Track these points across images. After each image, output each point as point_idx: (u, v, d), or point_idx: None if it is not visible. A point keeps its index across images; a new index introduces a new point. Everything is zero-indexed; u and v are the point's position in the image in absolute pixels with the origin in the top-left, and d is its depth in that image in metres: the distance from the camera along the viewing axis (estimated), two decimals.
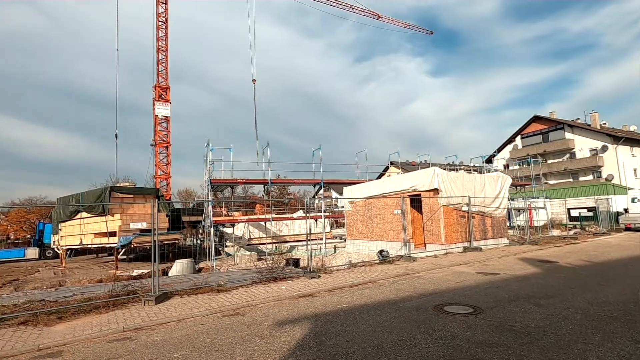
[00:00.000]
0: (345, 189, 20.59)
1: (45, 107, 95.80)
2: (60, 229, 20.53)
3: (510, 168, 45.79)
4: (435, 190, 13.89)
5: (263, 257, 19.37)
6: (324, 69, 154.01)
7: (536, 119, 46.51)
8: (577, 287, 7.29)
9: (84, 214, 19.00)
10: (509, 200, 22.98)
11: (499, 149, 49.15)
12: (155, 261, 7.60)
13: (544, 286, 7.44)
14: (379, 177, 41.08)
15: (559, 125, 44.41)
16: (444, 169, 14.96)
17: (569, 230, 24.58)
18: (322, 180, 22.22)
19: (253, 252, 21.13)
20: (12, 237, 48.38)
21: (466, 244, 13.89)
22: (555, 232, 23.18)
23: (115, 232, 17.48)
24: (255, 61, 33.65)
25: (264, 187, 23.84)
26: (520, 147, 47.54)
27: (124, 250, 17.56)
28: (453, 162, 39.83)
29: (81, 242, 19.09)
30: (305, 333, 5.00)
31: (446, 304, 6.18)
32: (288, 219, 24.39)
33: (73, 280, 15.19)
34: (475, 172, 20.52)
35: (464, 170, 29.53)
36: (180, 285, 9.08)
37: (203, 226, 20.63)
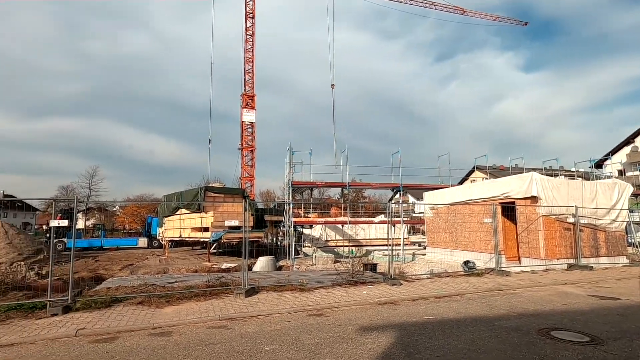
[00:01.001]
0: (426, 194, 19.65)
1: (153, 117, 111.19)
2: (164, 223, 23.46)
3: (628, 174, 38.75)
4: (533, 198, 12.40)
5: (339, 260, 19.55)
6: (402, 71, 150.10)
7: None
8: None
9: (183, 211, 21.44)
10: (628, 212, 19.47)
11: (613, 152, 41.98)
12: (245, 257, 8.17)
13: None
14: (461, 182, 38.43)
15: None
16: (544, 174, 13.29)
17: None
18: (401, 185, 21.57)
19: (330, 254, 21.46)
20: (126, 228, 57.12)
21: (572, 261, 12.09)
22: None
23: (208, 227, 19.34)
24: (333, 67, 34.25)
25: (342, 190, 24.09)
26: None
27: (215, 244, 19.30)
28: (551, 166, 35.25)
29: (180, 235, 21.56)
30: (391, 342, 4.84)
31: (553, 329, 5.42)
32: (365, 222, 24.19)
33: (174, 269, 17.19)
34: (581, 179, 17.84)
35: (566, 176, 25.90)
36: (265, 281, 9.60)
37: (283, 226, 21.61)
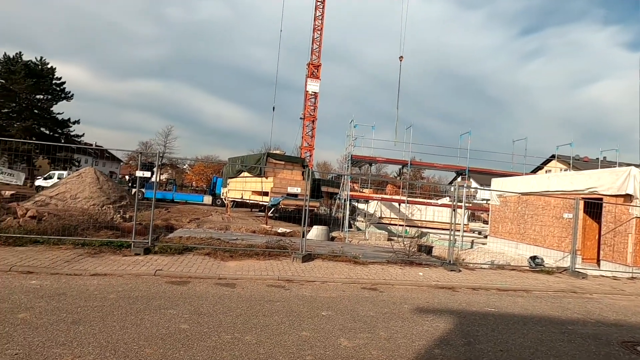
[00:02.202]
0: (495, 181, 18.27)
1: (222, 83, 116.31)
2: (228, 184, 24.98)
3: None
4: (627, 197, 10.86)
5: (392, 238, 19.31)
6: (478, 45, 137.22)
7: None
8: None
9: (246, 174, 22.54)
10: None
11: None
12: (304, 224, 8.38)
13: None
14: (534, 171, 35.09)
15: None
16: None
17: None
18: (468, 168, 20.27)
19: (383, 231, 21.28)
20: (194, 185, 62.15)
21: None
22: None
23: (267, 192, 20.19)
24: (404, 37, 32.26)
25: (400, 169, 23.35)
26: None
27: (273, 209, 20.16)
28: None
29: (242, 197, 22.84)
30: (450, 328, 4.68)
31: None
32: (425, 203, 23.39)
33: (235, 227, 18.39)
34: None
35: None
36: (319, 249, 9.81)
37: (339, 198, 21.77)
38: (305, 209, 8.43)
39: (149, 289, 5.16)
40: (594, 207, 12.07)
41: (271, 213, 23.28)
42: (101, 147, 54.48)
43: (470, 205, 26.39)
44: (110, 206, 17.48)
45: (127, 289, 5.03)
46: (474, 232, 25.25)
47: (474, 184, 41.55)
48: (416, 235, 22.97)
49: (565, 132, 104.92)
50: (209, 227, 16.78)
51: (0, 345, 3.11)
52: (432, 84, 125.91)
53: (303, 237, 8.40)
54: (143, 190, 31.79)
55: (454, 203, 9.87)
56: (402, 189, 26.61)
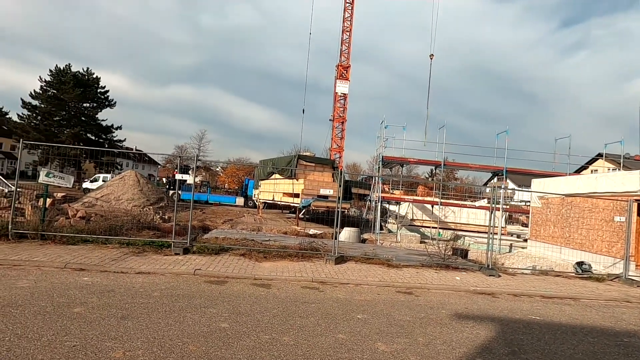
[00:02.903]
0: (535, 182, 17.36)
1: (253, 87, 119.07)
2: (260, 185, 25.48)
3: None
4: None
5: (425, 240, 18.84)
6: (515, 39, 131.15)
7: None
8: None
9: (277, 176, 22.89)
10: None
11: None
12: (337, 225, 8.38)
13: None
14: (578, 171, 33.00)
15: None
16: None
17: None
18: (505, 168, 19.39)
19: (415, 233, 20.84)
20: (226, 187, 64.00)
21: None
22: None
23: (298, 194, 20.38)
24: (435, 33, 31.48)
25: (431, 169, 22.78)
26: None
27: (304, 210, 20.32)
28: None
29: (273, 198, 23.21)
30: (492, 336, 4.49)
31: None
32: (460, 205, 22.68)
33: (267, 228, 18.72)
34: None
35: None
36: (351, 251, 9.75)
37: (369, 200, 21.57)
38: (338, 211, 8.42)
39: (189, 287, 5.36)
40: None
41: (302, 214, 23.48)
42: (141, 151, 57.41)
43: (508, 207, 25.25)
44: (150, 207, 18.36)
45: (169, 287, 5.26)
46: (512, 235, 24.12)
47: (510, 185, 39.76)
48: (450, 238, 22.30)
49: (611, 129, 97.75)
50: (242, 228, 17.19)
51: (60, 337, 3.35)
52: (466, 81, 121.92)
53: (335, 239, 8.39)
54: (180, 192, 33.20)
55: (492, 205, 9.47)
56: (435, 190, 25.91)
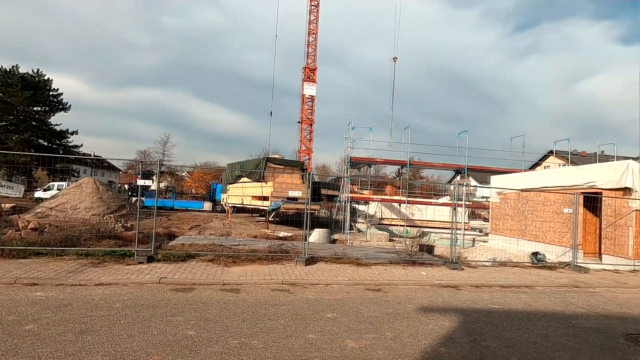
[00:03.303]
0: (494, 178, 18.34)
1: (219, 89, 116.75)
2: (228, 189, 25.00)
3: None
4: (626, 190, 10.91)
5: (394, 238, 19.34)
6: (474, 43, 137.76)
7: None
8: None
9: (245, 179, 22.59)
10: None
11: None
12: (306, 227, 8.41)
13: None
14: (533, 167, 35.18)
15: None
16: None
17: None
18: (466, 166, 20.34)
19: (384, 232, 21.31)
20: (193, 192, 62.16)
21: None
22: None
23: (267, 197, 20.21)
24: (398, 39, 32.50)
25: (398, 169, 23.46)
26: None
27: (273, 213, 20.18)
28: None
29: (242, 202, 22.86)
30: (455, 326, 4.71)
31: None
32: (425, 203, 23.46)
33: (236, 232, 18.39)
34: None
35: None
36: (321, 252, 9.82)
37: (338, 200, 21.81)
38: (307, 213, 8.46)
39: (154, 296, 5.17)
40: (593, 201, 12.13)
41: (272, 217, 23.30)
42: (99, 156, 54.51)
43: (470, 203, 26.45)
44: (111, 215, 17.47)
45: (132, 298, 5.05)
46: (474, 230, 25.30)
47: (473, 182, 41.70)
48: (417, 235, 23.01)
49: (563, 127, 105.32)
50: (210, 234, 16.77)
51: (10, 357, 3.13)
52: (430, 83, 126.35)
53: (305, 240, 8.41)
54: (143, 198, 31.83)
55: (454, 202, 9.89)
56: (401, 189, 26.63)
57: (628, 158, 21.62)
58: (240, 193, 23.12)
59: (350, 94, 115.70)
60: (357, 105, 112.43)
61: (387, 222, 25.77)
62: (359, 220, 26.05)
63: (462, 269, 8.56)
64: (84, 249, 7.48)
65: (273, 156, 30.60)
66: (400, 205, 23.44)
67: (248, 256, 8.08)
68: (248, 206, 22.88)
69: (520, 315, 5.41)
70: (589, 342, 4.48)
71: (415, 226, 25.04)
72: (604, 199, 11.56)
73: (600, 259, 11.86)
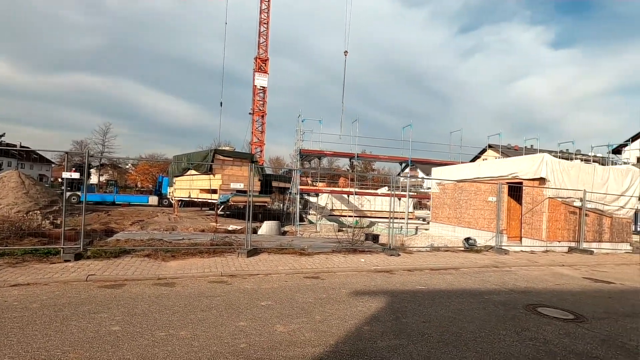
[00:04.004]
0: (434, 170, 19.54)
1: (169, 77, 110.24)
2: (174, 183, 23.99)
3: None
4: (541, 180, 12.26)
5: (343, 229, 19.91)
6: (424, 42, 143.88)
7: None
8: None
9: (193, 172, 21.81)
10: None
11: (634, 138, 40.57)
12: (249, 219, 8.42)
13: None
14: (474, 160, 37.82)
15: None
16: (558, 157, 13.04)
17: None
18: (410, 159, 21.41)
19: (334, 223, 21.81)
20: (138, 186, 58.61)
21: (573, 244, 12.13)
22: None
23: (216, 190, 19.74)
24: (349, 32, 33.02)
25: (350, 161, 24.10)
26: None
27: (222, 206, 19.78)
28: (567, 149, 34.33)
29: (189, 195, 22.08)
30: (381, 306, 5.07)
31: (541, 305, 5.58)
32: (371, 194, 24.37)
33: (182, 227, 17.78)
34: (596, 164, 17.43)
35: (583, 161, 25.33)
36: (268, 244, 9.92)
37: (290, 193, 21.91)
38: (250, 204, 8.46)
39: (78, 294, 4.93)
40: (516, 190, 13.46)
41: (221, 211, 22.81)
42: (27, 148, 49.13)
43: (415, 194, 27.94)
44: (38, 212, 16.01)
45: (52, 297, 4.77)
46: (419, 219, 26.83)
47: (421, 174, 43.98)
48: (366, 225, 23.91)
49: (500, 124, 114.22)
50: (154, 229, 16.06)
51: None
52: (384, 78, 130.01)
53: (248, 232, 8.43)
54: (79, 193, 29.44)
55: (392, 192, 10.46)
56: (352, 181, 27.39)
57: (552, 152, 24.07)
58: (188, 186, 22.30)
59: (306, 86, 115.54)
60: (313, 98, 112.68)
61: (338, 214, 26.44)
62: (311, 212, 26.42)
63: (399, 255, 9.13)
64: (0, 248, 6.85)
65: (223, 148, 29.83)
66: (349, 197, 24.12)
67: (189, 250, 7.92)
68: (196, 200, 22.16)
69: (442, 294, 5.95)
70: (495, 313, 5.07)
71: (365, 216, 25.97)
72: (524, 188, 12.88)
73: (521, 241, 13.23)
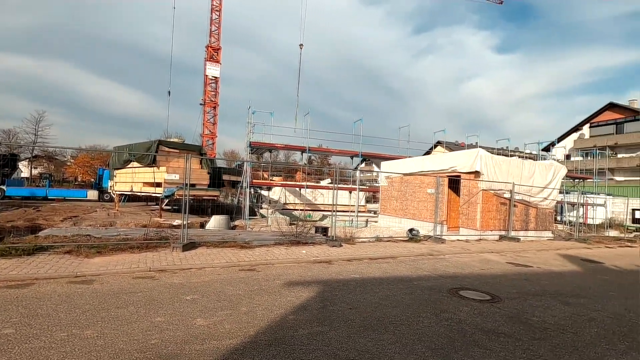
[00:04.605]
0: (383, 164, 20.13)
1: (117, 64, 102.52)
2: (115, 176, 22.41)
3: (572, 159, 41.85)
4: (477, 173, 13.09)
5: (295, 222, 19.89)
6: (381, 39, 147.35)
7: (611, 106, 41.39)
8: (617, 291, 6.64)
9: (135, 164, 20.49)
10: (562, 192, 21.19)
11: (562, 137, 44.92)
12: (185, 212, 8.07)
13: (579, 286, 6.87)
14: (426, 155, 39.56)
15: (638, 115, 39.24)
16: (495, 153, 13.98)
17: (630, 232, 22.28)
18: (360, 153, 21.85)
19: (287, 217, 21.71)
20: (79, 179, 54.12)
21: (503, 233, 13.13)
22: (613, 233, 21.13)
23: (160, 183, 18.73)
24: (307, 26, 32.83)
25: (301, 154, 24.05)
26: (587, 136, 42.96)
27: (167, 200, 18.84)
28: (507, 147, 37.20)
29: (132, 189, 20.73)
30: (312, 296, 5.09)
31: (463, 289, 5.94)
32: (317, 187, 24.58)
33: (122, 223, 16.69)
34: (527, 159, 18.99)
35: (519, 157, 27.49)
36: (210, 238, 9.60)
37: (241, 186, 21.42)
38: (186, 198, 8.12)
39: None
40: (456, 183, 14.26)
41: (167, 205, 21.75)
42: None
43: (368, 187, 28.65)
44: None
45: None
46: (371, 212, 27.58)
47: (376, 169, 45.22)
48: (319, 218, 24.11)
49: (452, 122, 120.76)
50: (89, 225, 14.94)
51: None
52: (342, 74, 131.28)
53: (185, 226, 8.08)
54: (4, 187, 26.52)
55: (335, 185, 10.59)
56: (309, 175, 27.43)
57: (493, 149, 25.72)
58: (130, 179, 20.94)
59: (265, 79, 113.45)
60: (273, 91, 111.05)
61: (292, 207, 26.38)
62: (264, 206, 26.09)
63: (341, 246, 9.27)
64: None
65: (171, 140, 28.39)
66: (300, 190, 24.15)
67: (118, 245, 7.41)
68: (139, 194, 20.90)
69: (375, 282, 6.12)
70: (420, 297, 5.31)
71: (319, 210, 26.16)
72: (462, 181, 13.68)
73: (459, 231, 14.07)
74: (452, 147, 41.70)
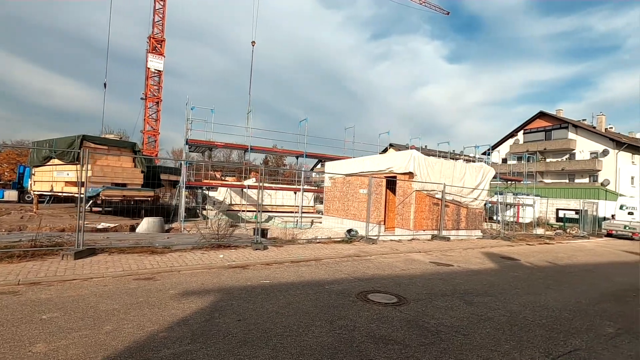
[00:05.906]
0: (328, 164, 20.02)
1: (58, 54, 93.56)
2: (34, 174, 20.14)
3: (508, 162, 45.00)
4: (411, 174, 13.32)
5: (237, 224, 19.12)
6: (339, 42, 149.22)
7: (541, 115, 45.13)
8: (522, 287, 6.88)
9: (57, 161, 18.52)
10: (497, 193, 22.49)
11: (500, 142, 48.16)
12: (81, 212, 7.18)
13: (489, 283, 7.03)
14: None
15: (563, 124, 43.12)
16: (437, 156, 14.33)
17: (554, 230, 24.24)
18: (305, 153, 21.59)
19: (228, 218, 20.84)
20: (4, 178, 48.40)
21: (435, 232, 13.48)
22: (540, 231, 22.82)
23: (84, 182, 17.06)
24: (263, 24, 32.11)
25: (265, 157, 23.33)
26: (521, 142, 46.46)
27: (91, 202, 17.24)
28: (454, 150, 39.05)
29: (52, 189, 18.71)
30: (204, 307, 4.60)
31: (374, 292, 5.77)
32: (253, 187, 24.06)
33: (34, 227, 14.91)
34: (460, 160, 19.86)
35: (464, 160, 28.82)
36: (118, 243, 8.70)
37: (180, 186, 20.22)
38: (80, 197, 7.25)
39: None
40: (393, 184, 14.42)
41: (96, 207, 19.96)
42: None
43: (317, 187, 28.48)
44: None
45: None
46: (319, 213, 27.45)
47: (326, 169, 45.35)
48: (264, 219, 23.48)
49: (407, 126, 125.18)
50: None
51: None
52: (302, 74, 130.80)
53: (79, 230, 7.18)
54: None
55: (261, 184, 10.19)
56: (261, 175, 26.57)
57: (440, 152, 26.56)
58: (50, 178, 18.89)
59: (224, 76, 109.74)
60: (230, 88, 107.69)
61: (238, 209, 25.48)
62: (208, 207, 24.93)
63: (266, 248, 8.84)
64: None
65: (106, 136, 26.22)
66: (242, 190, 23.39)
67: None
68: (60, 194, 18.91)
69: (284, 287, 5.75)
70: (324, 303, 5.02)
71: (265, 211, 25.52)
72: (397, 182, 13.86)
73: (395, 232, 14.24)
74: (402, 148, 43.03)
